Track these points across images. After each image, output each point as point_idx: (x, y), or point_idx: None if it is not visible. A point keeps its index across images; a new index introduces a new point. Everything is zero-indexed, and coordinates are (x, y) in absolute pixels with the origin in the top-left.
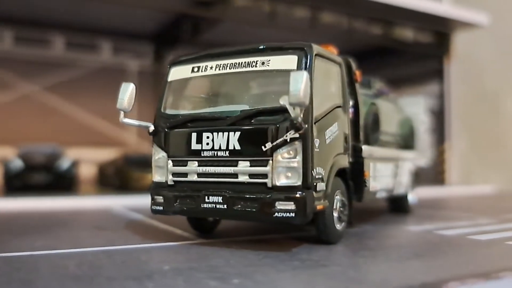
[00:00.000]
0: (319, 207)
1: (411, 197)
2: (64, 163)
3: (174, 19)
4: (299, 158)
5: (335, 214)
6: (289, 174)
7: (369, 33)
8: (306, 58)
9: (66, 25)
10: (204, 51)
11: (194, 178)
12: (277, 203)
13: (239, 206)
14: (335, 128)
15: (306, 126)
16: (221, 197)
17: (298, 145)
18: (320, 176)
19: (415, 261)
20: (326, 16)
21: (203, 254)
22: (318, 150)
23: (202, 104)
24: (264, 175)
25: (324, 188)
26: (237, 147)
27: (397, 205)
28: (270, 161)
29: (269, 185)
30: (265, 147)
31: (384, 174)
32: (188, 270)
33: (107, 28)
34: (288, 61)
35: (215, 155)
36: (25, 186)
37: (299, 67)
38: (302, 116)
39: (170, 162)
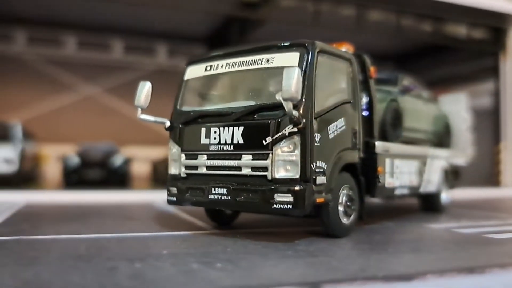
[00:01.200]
0: (319, 200)
1: (445, 196)
2: (117, 160)
3: (224, 22)
4: (297, 152)
5: (341, 208)
6: (288, 167)
7: (419, 30)
8: (308, 55)
9: (125, 29)
10: (217, 51)
11: (204, 170)
12: (276, 195)
13: (242, 197)
14: (341, 124)
15: (304, 120)
16: (226, 189)
17: (296, 139)
18: (321, 170)
19: (409, 254)
20: (373, 13)
21: (207, 242)
22: (318, 144)
23: (213, 101)
24: (265, 168)
25: (325, 181)
26: (241, 141)
27: (428, 204)
28: (270, 155)
29: (269, 177)
30: (265, 141)
31: (406, 171)
32: (183, 255)
33: (162, 32)
34: (290, 58)
35: (221, 149)
36: (81, 181)
37: (300, 64)
38: (302, 111)
39: (183, 155)
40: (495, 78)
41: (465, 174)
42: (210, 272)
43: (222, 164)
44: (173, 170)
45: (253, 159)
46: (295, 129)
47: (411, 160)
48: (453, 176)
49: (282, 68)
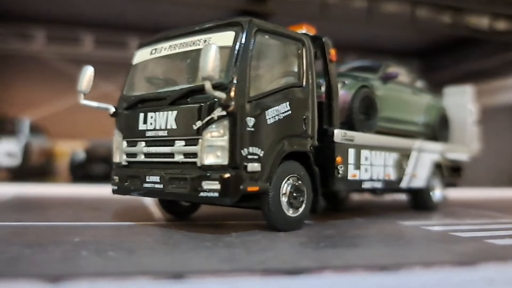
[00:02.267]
0: (251, 188)
1: (438, 193)
2: None
3: (234, 16)
4: (226, 137)
5: (284, 199)
6: (217, 153)
7: (437, 22)
8: (243, 34)
9: (141, 27)
10: (162, 33)
11: (142, 158)
12: (203, 183)
13: (174, 186)
14: (285, 108)
15: (234, 103)
16: (159, 177)
17: (226, 123)
18: (255, 157)
19: (340, 249)
20: (386, 5)
21: (136, 232)
22: (252, 129)
23: (156, 85)
24: (195, 155)
25: (259, 169)
26: (174, 126)
27: (417, 201)
28: (200, 140)
29: (199, 164)
30: (195, 125)
31: (380, 164)
32: (88, 242)
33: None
34: (226, 37)
35: (157, 135)
36: (87, 176)
37: (234, 43)
38: (232, 93)
39: (124, 143)
40: None
41: (488, 173)
42: (91, 258)
43: (157, 151)
44: (116, 158)
45: (185, 145)
46: (224, 113)
47: (387, 152)
48: (451, 172)
49: (219, 48)
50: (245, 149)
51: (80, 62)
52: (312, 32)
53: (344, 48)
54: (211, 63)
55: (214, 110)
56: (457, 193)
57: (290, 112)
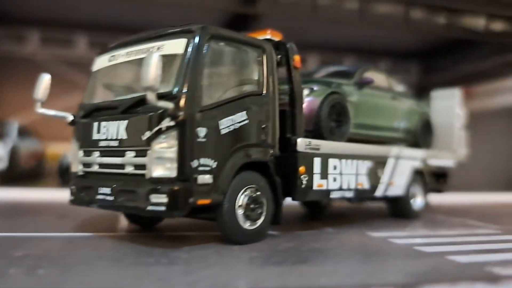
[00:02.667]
0: (201, 202)
1: (419, 201)
2: None
3: (230, 18)
4: (175, 148)
5: (240, 212)
6: (166, 165)
7: (431, 23)
8: (195, 42)
9: (135, 29)
10: (122, 40)
11: (96, 168)
12: (151, 196)
13: (124, 198)
14: (242, 118)
15: (182, 113)
16: (109, 189)
17: (174, 134)
18: (207, 169)
19: (285, 266)
20: (379, 6)
21: (89, 245)
22: (204, 140)
23: (113, 93)
24: (145, 166)
25: (211, 181)
26: (125, 136)
27: (396, 209)
28: (149, 151)
29: (147, 176)
30: (144, 136)
31: (351, 172)
32: (35, 258)
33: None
34: (178, 45)
35: (109, 145)
36: None
37: (186, 51)
38: (182, 103)
39: (80, 152)
40: None
41: (486, 176)
42: (17, 278)
43: (108, 162)
44: (73, 168)
45: (135, 156)
46: (173, 123)
47: (359, 160)
48: (436, 178)
49: (169, 56)
50: (195, 161)
51: (74, 64)
52: (277, 37)
53: (342, 50)
54: (152, 73)
55: (163, 120)
56: (449, 198)
57: (247, 121)
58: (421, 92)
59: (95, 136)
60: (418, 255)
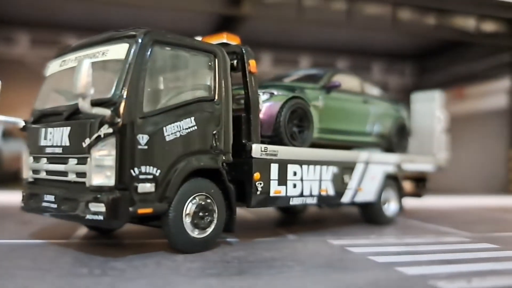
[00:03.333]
0: (142, 211)
1: (393, 207)
2: None
3: (221, 20)
4: (113, 155)
5: (187, 220)
6: (104, 173)
7: (420, 24)
8: (137, 47)
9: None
10: (73, 44)
11: (44, 175)
12: (90, 205)
13: (66, 206)
14: (190, 124)
15: (120, 120)
16: (53, 196)
17: (112, 141)
18: (149, 177)
19: (218, 278)
20: (367, 7)
21: (31, 253)
22: (145, 147)
23: (63, 98)
24: (85, 174)
25: (153, 189)
26: (67, 143)
27: (367, 215)
28: (89, 159)
29: (87, 184)
30: (85, 143)
31: (313, 178)
32: None
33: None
34: (120, 50)
35: (54, 152)
36: None
37: (127, 56)
38: (121, 109)
39: (30, 158)
40: (511, 75)
41: (476, 180)
42: None
43: (54, 169)
44: (24, 174)
45: (77, 164)
46: (111, 130)
47: (323, 166)
48: (415, 183)
49: (111, 61)
50: (136, 169)
51: None
52: (234, 41)
53: (336, 52)
54: (82, 80)
55: (101, 127)
56: (434, 202)
57: (195, 127)
58: (415, 92)
59: (42, 142)
60: (367, 265)
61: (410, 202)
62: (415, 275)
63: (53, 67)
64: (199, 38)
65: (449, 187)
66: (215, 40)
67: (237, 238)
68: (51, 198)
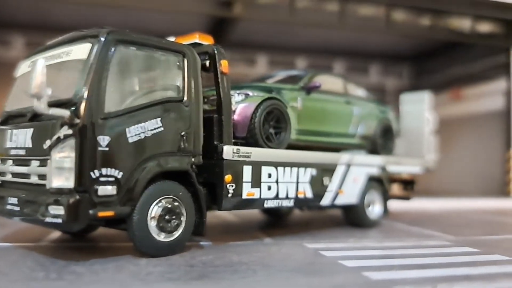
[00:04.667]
0: (102, 214)
1: (378, 209)
2: None
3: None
4: (73, 157)
5: (153, 223)
6: (64, 175)
7: (414, 25)
8: (99, 46)
9: None
10: (42, 45)
11: (9, 177)
12: (49, 207)
13: (28, 209)
14: (154, 125)
15: (79, 121)
16: (16, 199)
17: (72, 143)
18: (111, 179)
19: (168, 283)
20: (361, 8)
21: None
22: (106, 149)
23: (27, 100)
24: (45, 176)
25: (115, 192)
26: (30, 145)
27: (350, 217)
28: (49, 161)
29: (48, 187)
30: (45, 144)
31: (290, 180)
32: None
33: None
34: (83, 50)
35: (18, 153)
36: None
37: (89, 56)
38: (81, 110)
39: None
40: (506, 76)
41: (473, 183)
42: None
43: (18, 171)
44: None
45: (39, 166)
46: (71, 131)
47: (301, 168)
48: (403, 186)
49: (77, 61)
50: (96, 171)
51: None
52: (207, 41)
53: (332, 53)
54: (37, 80)
55: (60, 128)
56: (428, 205)
57: (162, 128)
58: None
59: (8, 144)
60: (335, 270)
61: (400, 205)
62: (381, 280)
63: (23, 68)
64: (172, 38)
65: (446, 189)
66: (188, 40)
67: (211, 242)
68: (14, 200)
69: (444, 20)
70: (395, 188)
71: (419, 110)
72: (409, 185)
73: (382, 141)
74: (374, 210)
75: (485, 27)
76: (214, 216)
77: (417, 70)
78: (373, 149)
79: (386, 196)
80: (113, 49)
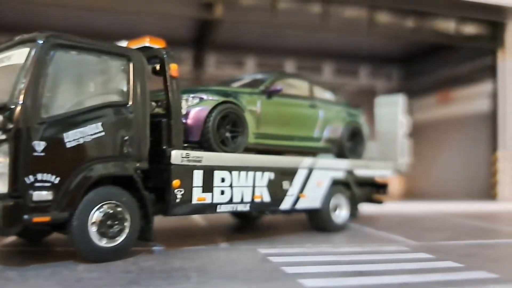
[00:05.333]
0: (37, 219)
1: (344, 213)
2: None
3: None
4: (6, 162)
5: (93, 229)
6: None
7: (397, 27)
8: (37, 51)
9: (109, 36)
10: None
11: None
12: None
13: None
14: (94, 130)
15: (12, 126)
16: None
17: (5, 148)
18: (47, 184)
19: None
20: (344, 10)
21: None
22: (42, 154)
23: None
24: None
25: (51, 197)
26: None
27: (314, 222)
28: None
29: None
30: None
31: (245, 185)
32: None
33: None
34: (21, 54)
35: None
36: None
37: (26, 61)
38: (16, 115)
39: None
40: (493, 78)
41: (460, 185)
42: None
43: None
44: None
45: None
46: (4, 137)
47: (257, 172)
48: (375, 189)
49: (16, 66)
50: (31, 176)
51: None
52: (158, 45)
53: (322, 56)
54: None
55: None
56: (406, 208)
57: (103, 133)
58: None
59: None
60: (272, 276)
61: (379, 208)
62: (313, 287)
63: None
64: (125, 42)
65: (433, 191)
66: (139, 43)
67: (165, 246)
68: None
69: (429, 22)
70: (367, 192)
71: (393, 113)
72: (381, 189)
73: (350, 144)
74: (341, 214)
75: (470, 29)
76: (180, 220)
77: (406, 72)
78: (340, 153)
79: (354, 200)
80: (51, 53)
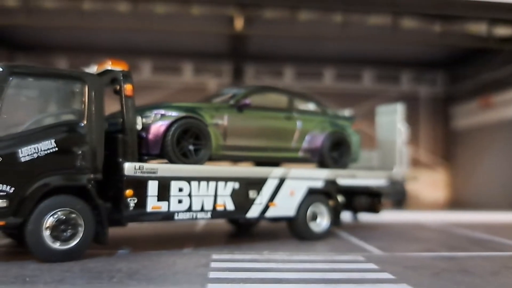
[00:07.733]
0: None
1: (324, 222)
2: None
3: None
4: None
5: (47, 233)
6: None
7: (424, 32)
8: None
9: (109, 50)
10: None
11: None
12: None
13: None
14: (48, 146)
15: None
16: None
17: None
18: (2, 193)
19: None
20: (366, 17)
21: None
22: None
23: None
24: None
25: (6, 204)
26: None
27: (292, 230)
28: None
29: None
30: None
31: (205, 194)
32: None
33: (188, 51)
34: None
35: None
36: None
37: None
38: None
39: None
40: None
41: (506, 193)
42: None
43: None
44: None
45: None
46: None
47: (219, 182)
48: (370, 199)
49: None
50: None
51: None
52: (120, 67)
53: (361, 63)
54: None
55: None
56: (415, 217)
57: (56, 149)
58: (447, 102)
59: None
60: (189, 280)
61: (383, 217)
62: None
63: None
64: (94, 66)
65: (476, 200)
66: (103, 67)
67: (131, 250)
68: None
69: (458, 26)
70: (364, 201)
71: (392, 121)
72: (376, 198)
73: (333, 154)
74: (321, 223)
75: (503, 31)
76: (177, 226)
77: (451, 77)
78: (321, 163)
79: (336, 209)
80: (8, 80)
